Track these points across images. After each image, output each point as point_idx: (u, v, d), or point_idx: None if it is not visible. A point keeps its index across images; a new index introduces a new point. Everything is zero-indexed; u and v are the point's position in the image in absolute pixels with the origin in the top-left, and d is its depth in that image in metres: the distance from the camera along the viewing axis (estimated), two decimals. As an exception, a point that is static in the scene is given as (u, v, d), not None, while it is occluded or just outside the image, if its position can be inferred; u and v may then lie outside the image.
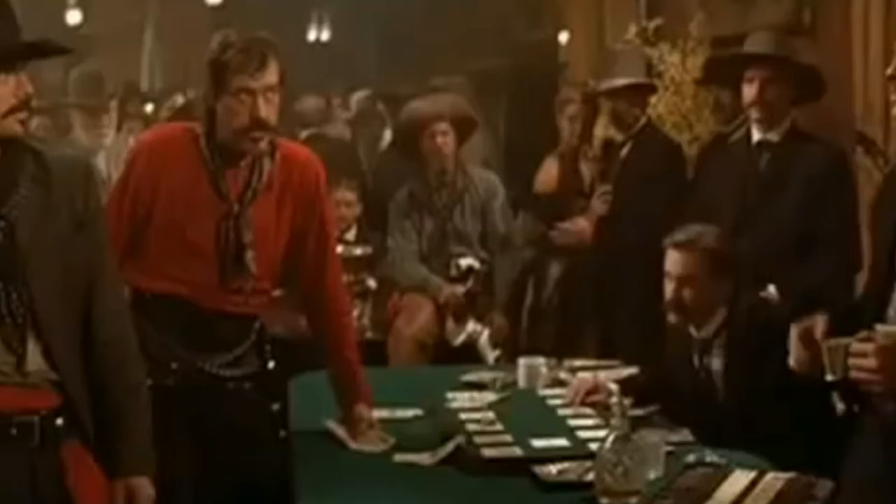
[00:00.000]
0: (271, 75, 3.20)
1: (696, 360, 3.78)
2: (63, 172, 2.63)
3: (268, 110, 3.20)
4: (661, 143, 5.42)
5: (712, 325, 3.75)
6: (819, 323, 2.63)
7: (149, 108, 8.23)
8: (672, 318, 3.82)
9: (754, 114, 4.41)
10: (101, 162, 5.39)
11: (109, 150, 5.62)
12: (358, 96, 8.54)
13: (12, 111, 2.52)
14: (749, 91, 4.37)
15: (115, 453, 2.65)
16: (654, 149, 5.32)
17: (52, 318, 2.56)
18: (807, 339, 2.64)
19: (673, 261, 3.80)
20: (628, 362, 4.40)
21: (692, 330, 3.80)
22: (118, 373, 2.68)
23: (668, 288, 3.80)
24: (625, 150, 5.32)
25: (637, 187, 5.13)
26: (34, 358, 2.54)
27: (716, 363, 3.74)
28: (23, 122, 2.55)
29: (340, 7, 12.48)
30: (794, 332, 2.67)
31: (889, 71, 2.64)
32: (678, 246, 3.80)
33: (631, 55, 5.76)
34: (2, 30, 2.52)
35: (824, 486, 2.87)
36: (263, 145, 3.25)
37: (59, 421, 2.58)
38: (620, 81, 5.32)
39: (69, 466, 2.58)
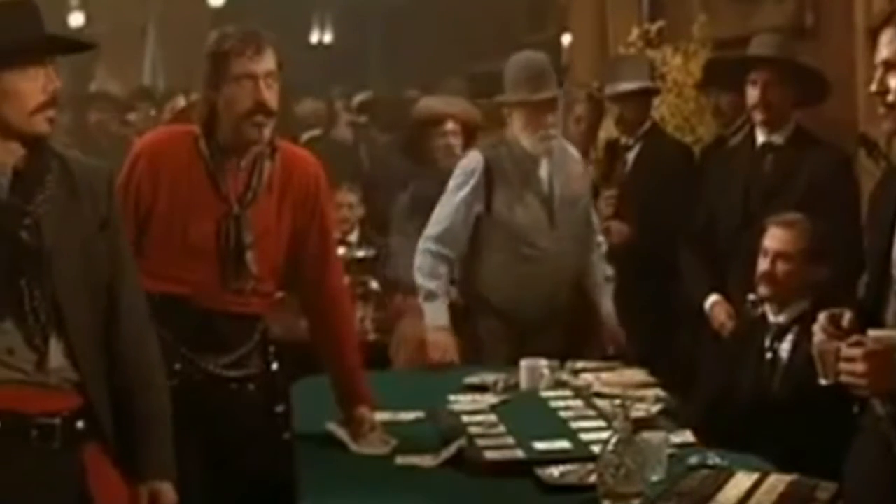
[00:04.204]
0: (270, 61, 3.22)
1: (766, 344, 3.85)
2: (88, 177, 2.65)
3: (270, 95, 3.21)
4: (671, 145, 5.42)
5: (793, 311, 3.85)
6: (846, 313, 2.64)
7: (151, 110, 8.24)
8: (763, 290, 3.93)
9: (758, 116, 4.42)
10: None
11: None
12: (360, 98, 8.55)
13: (40, 108, 2.54)
14: (753, 93, 4.38)
15: (139, 457, 2.66)
16: (666, 150, 5.32)
17: (75, 316, 2.56)
18: (831, 326, 2.65)
19: (773, 236, 3.94)
20: (632, 363, 4.41)
21: (770, 314, 3.90)
22: (140, 373, 2.69)
23: (763, 262, 3.93)
24: (633, 153, 5.30)
25: (650, 188, 5.11)
26: (56, 356, 2.54)
27: (784, 350, 3.81)
28: (51, 121, 2.56)
29: (343, 9, 12.50)
30: (821, 318, 2.68)
31: (873, 88, 2.66)
32: (781, 224, 3.95)
33: (636, 59, 5.76)
34: (26, 23, 2.54)
35: (827, 489, 2.87)
36: (267, 133, 3.25)
37: (80, 423, 2.58)
38: (628, 86, 5.32)
39: (89, 469, 2.58)
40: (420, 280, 4.58)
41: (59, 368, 2.55)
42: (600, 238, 4.79)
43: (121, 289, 2.68)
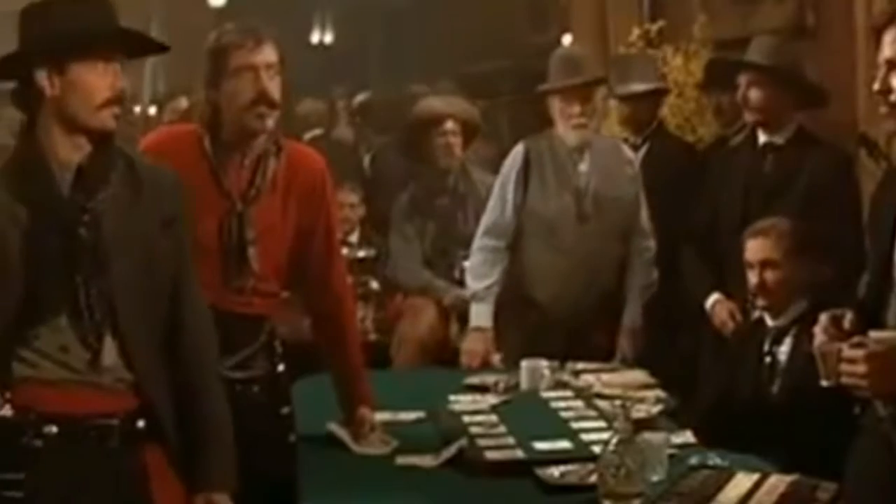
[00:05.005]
0: (270, 53, 3.21)
1: (765, 347, 3.85)
2: (154, 179, 2.64)
3: (271, 86, 3.20)
4: (677, 144, 5.41)
5: (791, 314, 3.84)
6: (847, 314, 2.64)
7: (152, 110, 8.25)
8: (759, 302, 3.93)
9: (748, 118, 4.48)
10: None
11: None
12: (360, 98, 8.56)
13: (107, 104, 2.53)
14: (741, 96, 4.44)
15: (197, 466, 2.63)
16: (673, 150, 5.30)
17: (131, 315, 2.54)
18: (833, 327, 2.65)
19: (752, 248, 3.94)
20: (633, 364, 4.41)
21: (768, 319, 3.89)
22: (203, 379, 2.66)
23: (751, 276, 3.92)
24: (641, 152, 5.28)
25: (658, 188, 5.09)
26: (109, 354, 2.52)
27: (783, 353, 3.81)
28: (117, 118, 2.55)
29: (343, 9, 12.50)
30: (822, 318, 2.68)
31: (876, 87, 2.67)
32: (756, 233, 3.95)
33: (644, 59, 5.74)
34: (97, 16, 2.53)
35: (828, 489, 2.87)
36: (270, 123, 3.23)
37: (141, 423, 2.56)
38: (641, 87, 5.30)
39: (151, 472, 2.57)
40: (469, 281, 4.72)
41: (112, 367, 2.53)
42: (649, 243, 4.74)
43: (186, 292, 2.66)
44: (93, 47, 2.51)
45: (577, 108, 4.56)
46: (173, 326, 2.64)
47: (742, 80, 4.43)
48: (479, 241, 4.72)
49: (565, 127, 4.59)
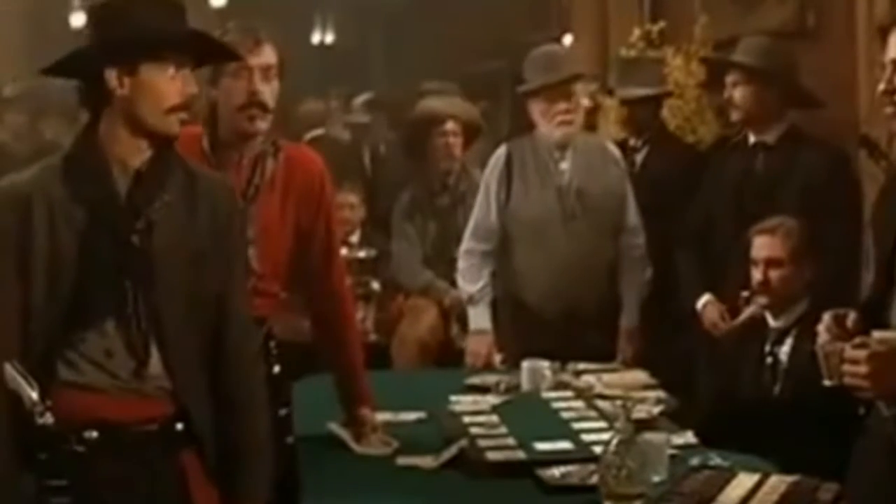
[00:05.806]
0: (268, 55, 3.22)
1: (767, 348, 3.85)
2: (210, 189, 2.62)
3: (265, 90, 3.20)
4: (678, 147, 5.40)
5: (791, 315, 3.85)
6: (851, 313, 2.64)
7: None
8: (761, 300, 3.95)
9: (733, 116, 4.49)
10: None
11: None
12: (361, 99, 8.54)
13: (174, 110, 2.52)
14: (727, 94, 4.45)
15: (239, 475, 2.62)
16: (674, 152, 5.29)
17: (176, 326, 2.53)
18: (836, 327, 2.65)
19: (759, 246, 3.95)
20: (633, 365, 4.40)
21: (770, 319, 3.90)
22: (241, 393, 2.64)
23: (755, 273, 3.93)
24: (641, 154, 5.28)
25: (660, 190, 5.09)
26: (155, 364, 2.52)
27: (784, 353, 3.82)
28: (183, 124, 2.54)
29: (345, 9, 12.49)
30: (826, 318, 2.68)
31: (881, 87, 2.67)
32: (763, 231, 3.96)
33: (649, 62, 5.73)
34: (169, 19, 2.53)
35: (829, 489, 2.86)
36: (261, 125, 3.23)
37: (179, 426, 2.55)
38: (640, 91, 5.29)
39: (190, 478, 2.56)
40: (461, 284, 4.74)
41: (156, 376, 2.52)
42: (638, 241, 4.70)
43: (231, 308, 2.63)
44: (167, 50, 2.50)
45: (562, 105, 4.54)
46: (216, 338, 2.61)
47: (728, 79, 4.44)
48: (465, 244, 4.71)
49: (549, 125, 4.56)
